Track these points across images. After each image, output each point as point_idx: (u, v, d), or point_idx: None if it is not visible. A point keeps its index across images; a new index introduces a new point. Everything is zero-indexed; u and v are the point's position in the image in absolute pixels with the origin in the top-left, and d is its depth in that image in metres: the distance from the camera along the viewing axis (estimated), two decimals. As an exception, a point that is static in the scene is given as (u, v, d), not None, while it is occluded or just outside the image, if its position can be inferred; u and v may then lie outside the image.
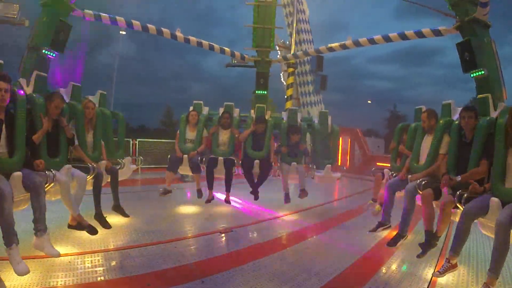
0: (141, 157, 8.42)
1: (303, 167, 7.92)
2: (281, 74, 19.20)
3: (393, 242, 5.30)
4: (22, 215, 4.24)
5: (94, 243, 4.99)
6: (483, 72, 5.36)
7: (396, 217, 5.57)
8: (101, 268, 4.18)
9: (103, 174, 5.84)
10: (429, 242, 4.80)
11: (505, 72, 5.61)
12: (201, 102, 8.59)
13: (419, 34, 6.52)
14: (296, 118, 8.35)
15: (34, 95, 4.98)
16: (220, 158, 7.59)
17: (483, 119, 4.76)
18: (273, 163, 7.86)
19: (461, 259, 4.82)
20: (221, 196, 7.68)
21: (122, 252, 4.79)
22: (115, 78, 30.94)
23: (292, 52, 15.00)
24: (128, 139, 16.17)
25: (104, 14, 6.82)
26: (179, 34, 7.95)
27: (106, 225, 5.60)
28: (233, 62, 10.47)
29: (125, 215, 6.31)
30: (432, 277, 4.26)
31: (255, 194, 7.66)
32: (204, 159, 7.71)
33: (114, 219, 6.07)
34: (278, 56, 15.61)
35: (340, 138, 21.62)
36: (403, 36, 6.72)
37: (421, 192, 5.06)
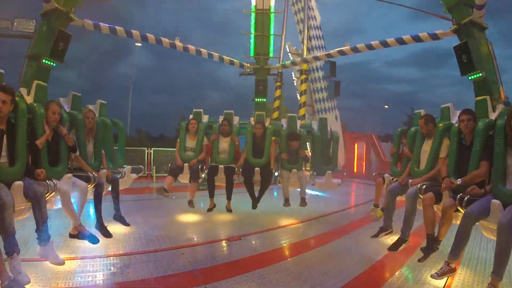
0: (141, 166, 8.40)
1: (303, 173, 7.92)
2: (294, 81, 19.06)
3: (394, 246, 5.28)
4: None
5: (95, 251, 4.98)
6: (480, 74, 5.37)
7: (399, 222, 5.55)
8: (103, 273, 4.23)
9: (103, 183, 5.84)
10: (430, 246, 4.77)
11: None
12: (201, 110, 8.61)
13: (416, 39, 6.55)
14: (296, 125, 8.36)
15: (34, 104, 5.00)
16: (221, 166, 7.60)
17: (482, 121, 4.78)
18: (273, 170, 7.87)
19: (465, 262, 4.83)
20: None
21: (123, 259, 4.82)
22: (131, 87, 31.57)
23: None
24: (143, 148, 16.50)
25: (103, 24, 6.86)
26: (178, 43, 7.99)
27: (107, 234, 5.59)
28: (247, 71, 10.40)
29: (125, 224, 6.30)
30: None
31: (254, 204, 7.69)
32: (204, 167, 7.72)
33: (115, 228, 6.05)
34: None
35: (356, 144, 21.67)
36: (401, 41, 6.75)
37: (422, 196, 5.05)
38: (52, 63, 5.82)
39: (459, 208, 4.41)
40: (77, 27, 6.59)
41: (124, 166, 7.17)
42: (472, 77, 5.49)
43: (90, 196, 5.61)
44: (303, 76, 16.03)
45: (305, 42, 15.96)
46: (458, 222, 4.32)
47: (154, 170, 8.14)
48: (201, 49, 8.36)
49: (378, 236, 5.94)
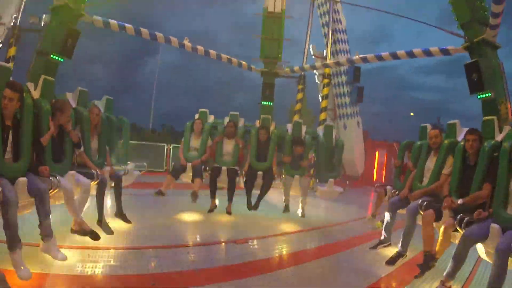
0: (144, 163, 8.40)
1: (306, 180, 7.90)
2: (318, 85, 18.86)
3: (392, 260, 5.28)
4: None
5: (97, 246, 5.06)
6: (489, 94, 5.33)
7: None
8: (107, 264, 4.40)
9: (106, 181, 5.87)
10: (427, 263, 4.77)
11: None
12: (207, 110, 8.61)
13: (427, 53, 6.50)
14: (301, 131, 8.34)
15: (41, 100, 5.03)
16: (224, 168, 7.60)
17: (488, 142, 4.74)
18: (276, 175, 7.86)
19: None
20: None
21: (124, 254, 4.93)
22: (155, 87, 31.98)
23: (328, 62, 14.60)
24: (163, 144, 16.84)
25: (113, 21, 6.84)
26: (187, 43, 7.96)
27: (108, 231, 5.62)
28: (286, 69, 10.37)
29: (127, 221, 6.30)
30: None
31: (249, 205, 7.68)
32: (207, 168, 7.72)
33: (116, 224, 6.07)
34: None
35: (377, 152, 21.43)
36: (411, 54, 6.70)
37: (422, 213, 5.04)
38: (60, 59, 5.82)
39: (458, 228, 4.39)
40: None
41: (127, 163, 7.18)
42: (481, 96, 5.45)
43: (93, 192, 5.62)
44: (326, 81, 15.72)
45: (329, 45, 15.59)
46: (457, 241, 4.32)
47: (172, 166, 8.18)
48: (210, 50, 8.33)
49: (377, 248, 5.93)
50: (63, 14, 5.84)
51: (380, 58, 7.37)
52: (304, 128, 8.47)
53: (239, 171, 7.83)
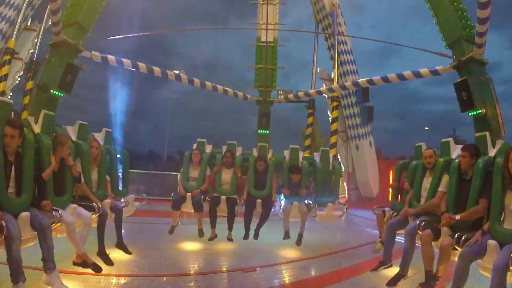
0: (145, 194, 8.44)
1: (305, 206, 7.91)
2: (328, 109, 18.58)
3: (393, 281, 5.26)
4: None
5: (99, 277, 5.05)
6: (480, 111, 5.44)
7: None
8: None
9: (107, 213, 5.90)
10: (429, 282, 4.77)
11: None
12: (205, 140, 8.70)
13: (417, 74, 6.66)
14: (298, 157, 8.43)
15: (42, 135, 5.13)
16: (223, 197, 7.64)
17: (482, 159, 4.80)
18: (274, 202, 7.89)
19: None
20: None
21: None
22: (170, 112, 32.15)
23: (335, 84, 14.28)
24: (176, 173, 16.60)
25: (110, 56, 7.04)
26: (183, 75, 8.15)
27: (109, 263, 5.60)
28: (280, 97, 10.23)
29: (127, 252, 6.29)
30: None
31: (246, 235, 7.67)
32: (207, 197, 7.76)
33: (117, 255, 6.05)
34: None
35: (391, 171, 21.05)
36: (401, 77, 6.87)
37: (420, 233, 5.07)
38: (60, 94, 5.94)
39: (456, 247, 4.42)
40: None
41: (128, 195, 7.24)
42: (472, 113, 5.56)
43: (94, 224, 5.65)
44: (334, 103, 15.61)
45: (336, 67, 15.39)
46: (456, 259, 4.34)
47: (172, 197, 8.18)
48: (206, 82, 8.51)
49: (377, 270, 5.91)
50: (62, 50, 6.01)
51: (371, 82, 7.54)
52: (301, 154, 8.55)
53: (238, 200, 7.85)
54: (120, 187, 7.22)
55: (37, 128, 5.38)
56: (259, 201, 7.67)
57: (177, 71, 8.21)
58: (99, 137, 6.77)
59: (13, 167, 4.32)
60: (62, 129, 6.07)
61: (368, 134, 18.47)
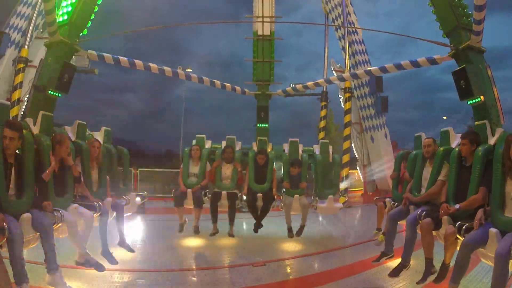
0: (145, 192, 8.45)
1: (306, 199, 7.90)
2: (340, 101, 18.31)
3: (395, 272, 5.26)
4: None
5: (104, 276, 5.13)
6: (479, 99, 5.41)
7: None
8: None
9: (108, 212, 5.90)
10: (428, 269, 4.84)
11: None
12: (204, 136, 8.70)
13: (415, 64, 6.61)
14: (297, 150, 8.42)
15: (41, 136, 5.13)
16: (224, 192, 7.64)
17: (482, 146, 4.79)
18: (275, 196, 7.88)
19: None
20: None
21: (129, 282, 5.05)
22: (183, 109, 32.34)
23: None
24: None
25: (107, 55, 6.99)
26: (180, 71, 8.11)
27: (113, 261, 5.61)
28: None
29: (130, 250, 6.31)
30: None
31: (257, 226, 7.66)
32: (207, 193, 7.77)
33: (120, 253, 6.06)
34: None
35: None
36: (399, 67, 6.82)
37: (421, 222, 5.07)
38: (57, 94, 5.91)
39: (458, 236, 4.43)
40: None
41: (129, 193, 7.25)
42: (471, 102, 5.53)
43: (96, 223, 5.65)
44: (347, 95, 15.33)
45: (347, 58, 15.30)
46: (458, 248, 4.34)
47: (173, 194, 8.20)
48: (203, 77, 8.47)
49: (380, 261, 5.92)
50: (58, 49, 5.98)
51: (369, 73, 7.52)
52: (300, 147, 8.55)
53: (238, 194, 7.86)
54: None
55: (35, 129, 5.37)
56: (260, 195, 7.67)
57: (180, 70, 8.17)
58: (98, 136, 6.76)
59: (13, 168, 4.32)
60: (61, 130, 6.05)
61: (383, 125, 18.28)
